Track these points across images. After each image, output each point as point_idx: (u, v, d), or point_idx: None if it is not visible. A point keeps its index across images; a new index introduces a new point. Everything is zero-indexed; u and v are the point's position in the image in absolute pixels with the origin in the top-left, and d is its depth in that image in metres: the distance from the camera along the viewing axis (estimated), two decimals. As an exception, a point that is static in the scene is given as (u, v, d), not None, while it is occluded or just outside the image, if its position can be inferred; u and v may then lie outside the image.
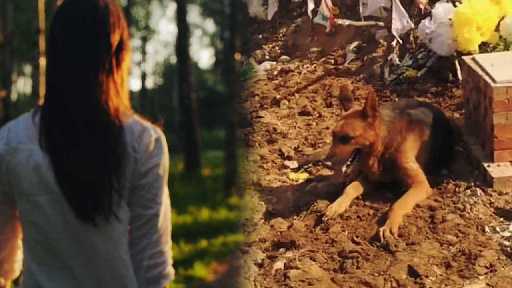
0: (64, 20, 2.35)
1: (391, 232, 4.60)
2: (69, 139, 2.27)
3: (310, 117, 6.87)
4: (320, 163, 5.76)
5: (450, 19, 6.59)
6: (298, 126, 6.69)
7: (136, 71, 43.52)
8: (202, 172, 19.51)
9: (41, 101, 10.57)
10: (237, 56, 17.12)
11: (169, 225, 2.40)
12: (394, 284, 4.21)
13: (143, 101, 39.79)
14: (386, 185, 5.22)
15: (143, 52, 43.63)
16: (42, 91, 10.76)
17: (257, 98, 7.47)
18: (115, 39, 2.36)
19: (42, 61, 10.80)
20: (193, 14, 44.23)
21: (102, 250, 2.31)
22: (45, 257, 2.32)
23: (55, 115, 2.30)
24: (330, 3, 7.57)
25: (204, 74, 47.60)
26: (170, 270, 2.39)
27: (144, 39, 42.99)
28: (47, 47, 2.39)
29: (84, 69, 2.30)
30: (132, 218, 2.34)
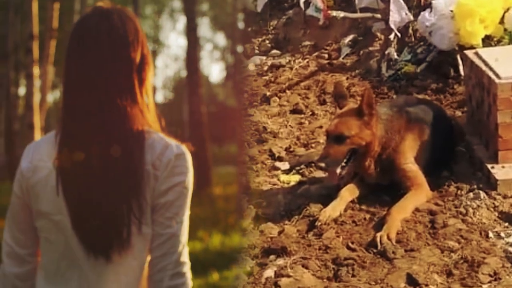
0: (78, 43, 2.37)
1: (388, 238, 4.60)
2: (85, 165, 2.29)
3: (302, 116, 6.87)
4: (313, 165, 5.76)
5: (451, 11, 6.61)
6: (290, 125, 6.69)
7: (146, 85, 44.37)
8: (213, 191, 19.00)
9: (35, 114, 10.54)
10: (251, 66, 17.12)
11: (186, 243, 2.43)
12: (392, 293, 4.21)
13: (152, 116, 40.23)
14: (384, 187, 5.21)
15: (153, 66, 44.15)
16: (36, 102, 10.70)
17: (246, 95, 7.47)
18: (136, 57, 2.39)
19: (36, 70, 10.70)
20: (204, 28, 44.91)
21: (109, 282, 2.34)
22: (53, 278, 2.38)
23: (71, 135, 2.33)
24: (323, -6, 7.58)
25: (215, 88, 48.26)
26: None
27: (154, 53, 43.63)
28: (64, 66, 2.41)
29: (103, 91, 2.32)
30: (151, 236, 2.37)
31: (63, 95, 2.39)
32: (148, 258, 2.39)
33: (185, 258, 2.39)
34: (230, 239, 12.22)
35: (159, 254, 2.36)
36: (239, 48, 25.54)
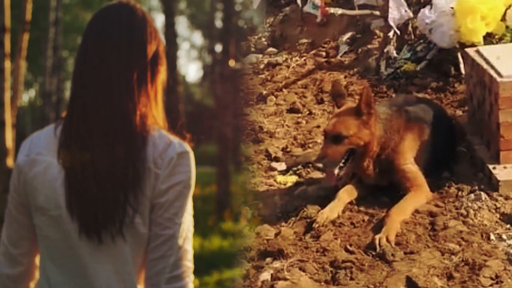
0: (98, 28, 2.42)
1: (387, 240, 4.60)
2: (86, 152, 2.32)
3: (299, 115, 6.87)
4: (310, 165, 5.76)
5: (452, 7, 6.61)
6: (287, 125, 6.69)
7: (121, 84, 44.92)
8: (191, 192, 18.77)
9: (7, 110, 10.53)
10: (231, 63, 17.00)
11: (190, 248, 2.43)
12: (391, 297, 4.21)
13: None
14: (383, 188, 5.22)
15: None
16: (7, 98, 10.68)
17: (241, 94, 7.46)
18: (151, 50, 2.43)
19: (8, 64, 10.70)
20: (181, 26, 45.17)
21: (102, 270, 2.35)
22: (57, 277, 2.38)
23: (75, 126, 2.35)
24: (321, -10, 7.58)
25: (192, 87, 48.37)
26: None
27: None
28: (77, 55, 2.44)
29: (115, 79, 2.35)
30: (148, 237, 2.36)
31: (72, 82, 2.42)
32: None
33: (186, 261, 2.39)
34: (209, 243, 12.08)
35: (156, 256, 2.35)
36: (217, 48, 25.71)
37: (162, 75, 2.47)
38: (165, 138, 2.39)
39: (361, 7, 7.86)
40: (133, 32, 2.40)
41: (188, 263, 2.40)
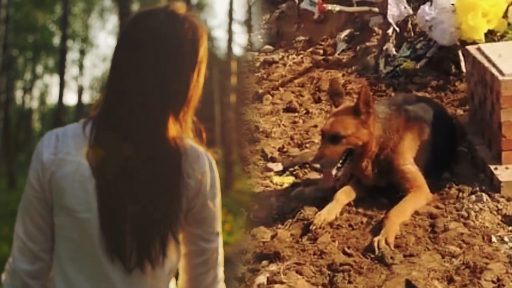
0: (133, 41, 2.35)
1: (386, 243, 4.60)
2: (121, 166, 2.30)
3: (296, 114, 6.87)
4: (307, 166, 5.76)
5: (452, 4, 6.61)
6: (283, 124, 6.69)
7: (73, 85, 45.09)
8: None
9: None
10: None
11: None
12: (390, 301, 4.21)
13: (79, 116, 40.30)
14: (381, 190, 5.21)
15: (81, 66, 44.65)
16: None
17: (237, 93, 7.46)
18: (194, 75, 2.37)
19: None
20: None
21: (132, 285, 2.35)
22: (76, 278, 2.35)
23: (109, 137, 2.32)
24: (318, -13, 7.58)
25: None
26: None
27: (82, 52, 43.84)
28: (112, 59, 2.39)
29: (152, 105, 2.31)
30: (193, 252, 2.42)
31: (106, 92, 2.37)
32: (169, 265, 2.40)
33: (222, 266, 2.48)
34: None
35: (204, 270, 2.43)
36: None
37: (197, 96, 2.40)
38: (195, 148, 2.38)
39: (360, 3, 7.86)
40: (174, 56, 2.33)
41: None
